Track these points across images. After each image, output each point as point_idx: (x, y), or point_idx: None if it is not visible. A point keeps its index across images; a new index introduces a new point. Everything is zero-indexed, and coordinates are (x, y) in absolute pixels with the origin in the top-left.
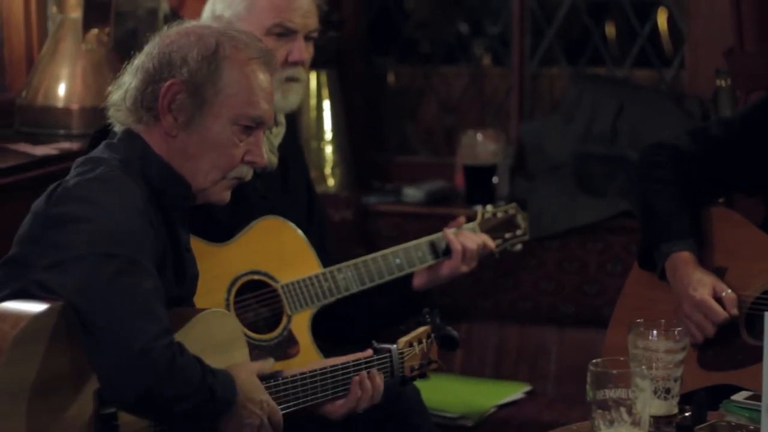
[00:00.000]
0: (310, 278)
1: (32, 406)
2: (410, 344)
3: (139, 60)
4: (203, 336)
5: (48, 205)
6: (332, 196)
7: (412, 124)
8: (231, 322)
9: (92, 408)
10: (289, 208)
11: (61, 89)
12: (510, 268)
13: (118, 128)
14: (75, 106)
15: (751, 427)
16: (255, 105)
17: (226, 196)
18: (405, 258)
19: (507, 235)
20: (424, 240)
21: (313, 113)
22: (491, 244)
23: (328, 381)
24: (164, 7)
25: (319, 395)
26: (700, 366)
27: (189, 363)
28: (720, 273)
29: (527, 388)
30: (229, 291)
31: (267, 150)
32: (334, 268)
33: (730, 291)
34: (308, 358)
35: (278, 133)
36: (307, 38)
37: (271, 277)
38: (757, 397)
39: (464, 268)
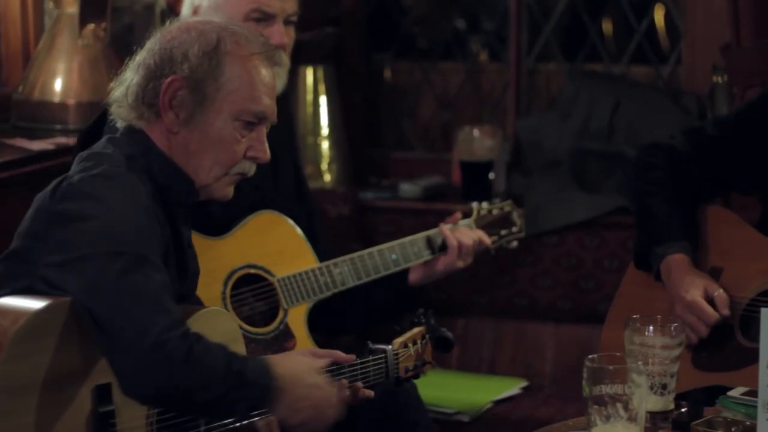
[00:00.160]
0: (306, 272)
1: (31, 404)
2: (405, 345)
3: (141, 56)
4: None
5: (52, 201)
6: (329, 192)
7: (409, 120)
8: (229, 322)
9: (90, 406)
10: (279, 197)
11: (58, 84)
12: (506, 264)
13: (120, 124)
14: (71, 101)
15: (747, 423)
16: (257, 100)
17: (229, 192)
18: (401, 253)
19: (503, 232)
20: (420, 235)
21: (309, 109)
22: (487, 240)
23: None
24: (161, 2)
25: None
26: (695, 367)
27: (209, 351)
28: (716, 273)
29: (524, 383)
30: (225, 284)
31: None
32: (330, 262)
33: (721, 291)
34: None
35: None
36: (287, 22)
37: (268, 271)
38: (753, 393)
39: (460, 264)
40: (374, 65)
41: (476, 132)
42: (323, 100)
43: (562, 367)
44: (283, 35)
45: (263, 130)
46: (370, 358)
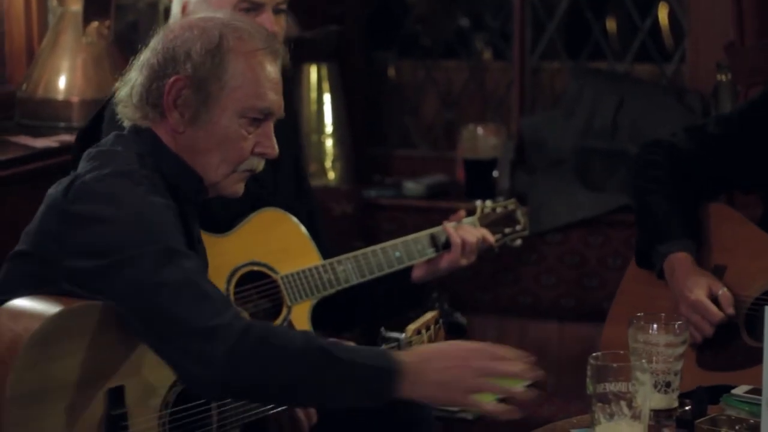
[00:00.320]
0: (310, 270)
1: (45, 409)
2: (418, 332)
3: (145, 55)
4: None
5: (66, 201)
6: (333, 190)
7: (412, 118)
8: None
9: (103, 409)
10: (278, 193)
11: (62, 82)
12: (510, 262)
13: (126, 124)
14: (75, 99)
15: (751, 421)
16: (262, 96)
17: (239, 188)
18: (405, 251)
19: (507, 230)
20: (424, 233)
21: (313, 107)
22: (491, 238)
23: None
24: (164, 0)
25: None
26: (700, 366)
27: (271, 331)
28: (719, 271)
29: (527, 381)
30: (228, 282)
31: None
32: (334, 260)
33: (725, 290)
34: None
35: None
36: (276, 11)
37: (271, 269)
38: (757, 391)
39: (463, 262)
40: (378, 63)
41: (480, 130)
42: (327, 98)
43: (566, 364)
44: (273, 24)
45: (270, 126)
46: (383, 347)
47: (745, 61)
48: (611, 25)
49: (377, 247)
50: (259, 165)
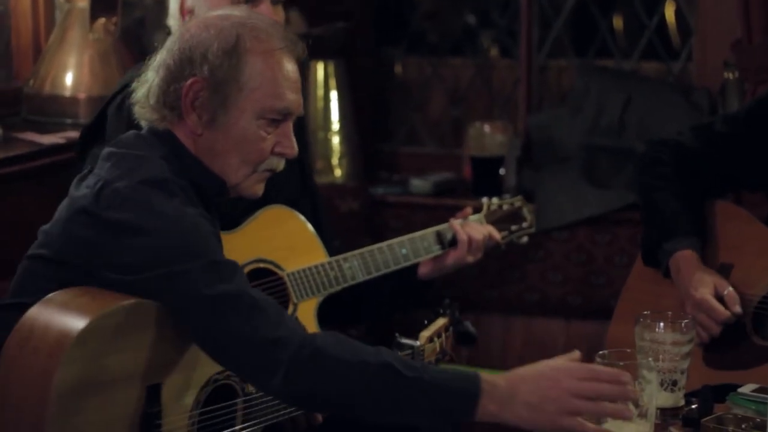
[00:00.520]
0: (316, 267)
1: (88, 404)
2: (431, 339)
3: (161, 56)
4: None
5: (99, 208)
6: (339, 187)
7: (419, 116)
8: None
9: (140, 406)
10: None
11: (68, 78)
12: (517, 260)
13: (143, 124)
14: (82, 95)
15: (758, 420)
16: (281, 97)
17: (259, 189)
18: (411, 248)
19: (513, 228)
20: (431, 230)
21: (320, 104)
22: (497, 235)
23: None
24: None
25: None
26: (706, 365)
27: (332, 341)
28: (726, 269)
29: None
30: None
31: None
32: (340, 257)
33: (731, 289)
34: None
35: None
36: (275, 2)
37: (277, 266)
38: (764, 390)
39: (470, 259)
40: (385, 60)
41: (487, 127)
42: (334, 95)
43: None
44: (272, 14)
45: (289, 125)
46: (398, 353)
47: (753, 59)
48: (618, 22)
49: (383, 244)
50: (279, 165)
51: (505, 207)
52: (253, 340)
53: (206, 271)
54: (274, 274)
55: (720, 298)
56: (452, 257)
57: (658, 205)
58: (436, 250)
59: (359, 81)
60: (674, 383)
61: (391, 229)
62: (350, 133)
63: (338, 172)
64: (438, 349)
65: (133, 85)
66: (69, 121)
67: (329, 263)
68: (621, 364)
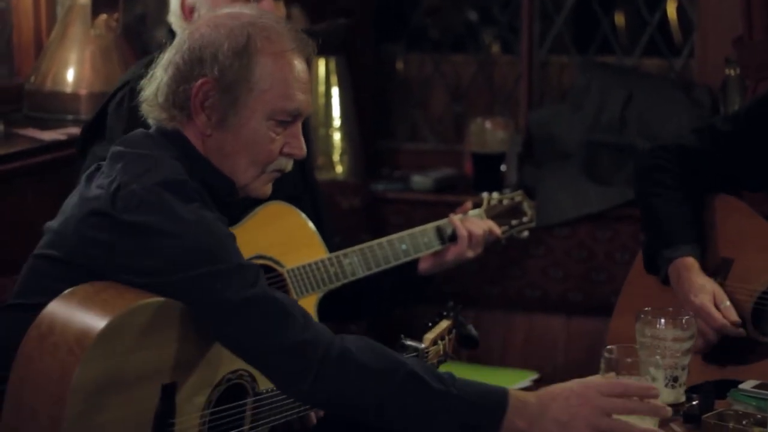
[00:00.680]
0: (316, 263)
1: (107, 400)
2: (435, 342)
3: (170, 53)
4: None
5: (115, 210)
6: (340, 183)
7: (420, 112)
8: None
9: (155, 404)
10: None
11: (70, 74)
12: (518, 256)
13: (151, 123)
14: (83, 92)
15: (759, 416)
16: (291, 98)
17: (268, 189)
18: (411, 244)
19: (513, 222)
20: (431, 226)
21: (321, 100)
22: (497, 230)
23: None
24: None
25: None
26: (707, 361)
27: (360, 346)
28: (726, 264)
29: (535, 376)
30: None
31: None
32: (340, 253)
33: (729, 303)
34: None
35: None
36: None
37: (277, 262)
38: (764, 386)
39: (470, 254)
40: (386, 57)
41: (488, 124)
42: (335, 91)
43: (574, 359)
44: (273, 8)
45: (299, 126)
46: (404, 356)
47: (754, 56)
48: (620, 19)
49: (383, 239)
50: (288, 165)
51: (505, 202)
52: (283, 345)
53: (231, 275)
54: (274, 270)
55: (718, 309)
56: (452, 252)
57: (658, 212)
58: (436, 245)
59: (360, 77)
60: (675, 379)
61: (392, 226)
62: (351, 130)
63: (339, 169)
64: (441, 351)
65: (141, 82)
66: (70, 117)
67: (329, 259)
68: (628, 360)
